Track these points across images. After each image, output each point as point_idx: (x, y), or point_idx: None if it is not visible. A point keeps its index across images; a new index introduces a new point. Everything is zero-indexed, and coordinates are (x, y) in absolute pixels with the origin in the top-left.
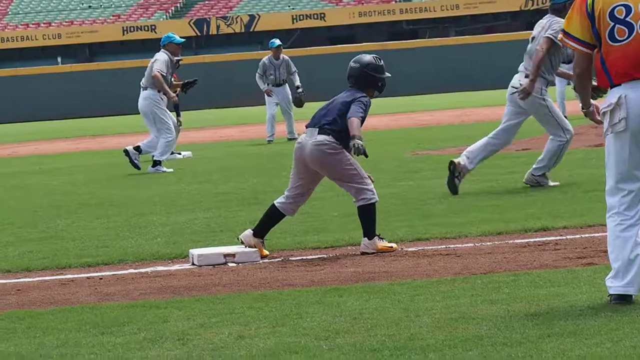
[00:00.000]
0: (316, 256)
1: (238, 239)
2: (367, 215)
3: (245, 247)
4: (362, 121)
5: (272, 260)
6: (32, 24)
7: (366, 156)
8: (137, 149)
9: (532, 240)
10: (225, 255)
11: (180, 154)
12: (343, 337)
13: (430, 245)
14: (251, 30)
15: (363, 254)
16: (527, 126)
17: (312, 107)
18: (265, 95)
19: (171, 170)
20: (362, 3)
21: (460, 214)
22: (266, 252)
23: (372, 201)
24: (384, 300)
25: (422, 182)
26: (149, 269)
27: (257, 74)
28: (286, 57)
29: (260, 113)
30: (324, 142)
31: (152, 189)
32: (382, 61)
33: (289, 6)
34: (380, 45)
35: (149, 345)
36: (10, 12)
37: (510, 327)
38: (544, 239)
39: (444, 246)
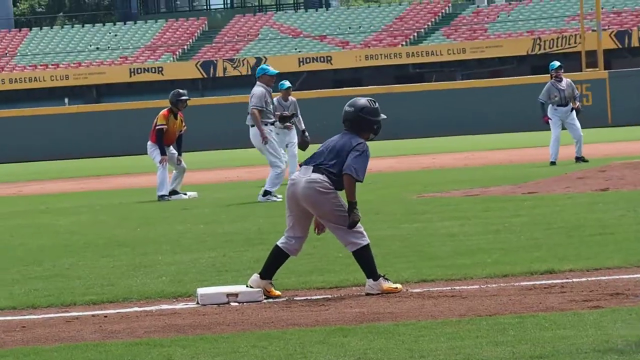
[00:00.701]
0: (321, 296)
1: (248, 285)
2: (364, 259)
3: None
4: (364, 171)
5: (277, 300)
6: (40, 66)
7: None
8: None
9: (538, 282)
10: (228, 295)
11: (185, 194)
12: None
13: (435, 286)
14: None
15: (368, 294)
16: (532, 169)
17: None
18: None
19: (280, 198)
20: (369, 46)
21: (466, 256)
22: (277, 292)
23: (364, 244)
24: (389, 341)
25: (428, 224)
26: (153, 308)
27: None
28: (294, 99)
29: None
30: (316, 180)
31: (158, 229)
32: (377, 104)
33: (296, 49)
34: (387, 88)
35: None
36: (18, 54)
37: None
38: (550, 281)
39: (449, 288)
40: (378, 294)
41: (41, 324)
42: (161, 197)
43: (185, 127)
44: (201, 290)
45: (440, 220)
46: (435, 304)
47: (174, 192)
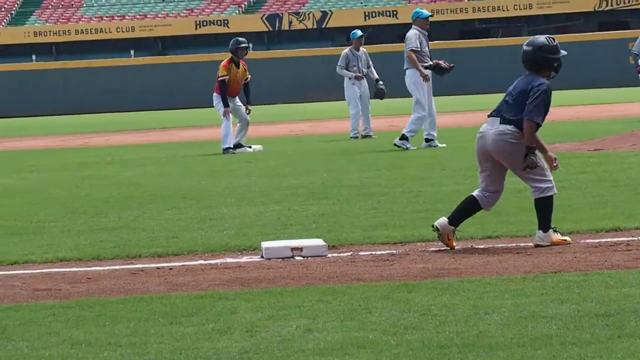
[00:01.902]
0: (385, 251)
1: (433, 226)
2: (543, 208)
3: (439, 234)
4: (545, 112)
5: (341, 254)
6: (106, 17)
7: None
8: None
9: (603, 240)
10: (293, 249)
11: (250, 147)
12: (411, 333)
13: (500, 243)
14: (323, 26)
15: (537, 246)
16: (598, 126)
17: (387, 103)
18: (348, 91)
19: (414, 147)
20: (435, 1)
21: (531, 213)
22: (454, 243)
23: (549, 194)
24: (453, 297)
25: None
26: (218, 261)
27: (338, 67)
28: (364, 50)
29: (330, 108)
30: (505, 132)
31: (223, 182)
32: (555, 41)
33: (362, 3)
34: (452, 43)
35: (217, 336)
36: (84, 5)
37: (580, 327)
38: (616, 239)
39: (515, 244)
40: (547, 245)
41: (106, 276)
42: (226, 150)
43: (249, 76)
44: (266, 244)
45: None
46: (500, 260)
47: (238, 145)
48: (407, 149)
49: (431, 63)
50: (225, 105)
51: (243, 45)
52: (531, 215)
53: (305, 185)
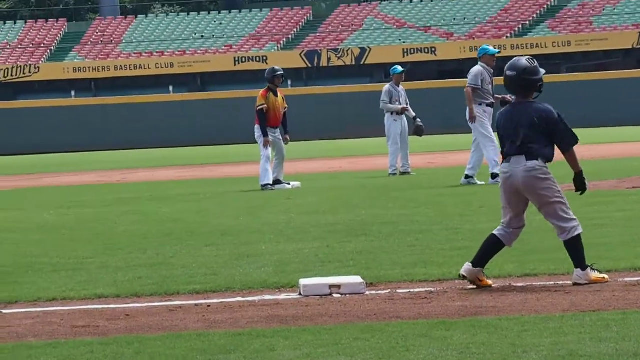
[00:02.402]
0: (423, 289)
1: (460, 275)
2: (574, 248)
3: (469, 280)
4: (572, 131)
5: (379, 292)
6: (145, 53)
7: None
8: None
9: None
10: (331, 286)
11: (289, 183)
12: None
13: (538, 281)
14: (362, 63)
15: (575, 284)
16: (638, 164)
17: (425, 140)
18: (389, 127)
19: (483, 182)
20: (473, 38)
21: None
22: (489, 282)
23: (576, 233)
24: (492, 335)
25: (532, 218)
26: (256, 298)
27: (382, 102)
28: (402, 87)
29: (369, 145)
30: (535, 168)
31: (261, 218)
32: (535, 62)
33: (400, 40)
34: None
35: None
36: (124, 41)
37: None
38: None
39: (553, 282)
40: (586, 283)
41: (144, 313)
42: (264, 187)
43: (287, 106)
44: (304, 281)
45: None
46: (538, 298)
47: (277, 182)
48: (475, 184)
49: (492, 100)
50: (265, 135)
51: (279, 72)
52: None
53: (344, 222)
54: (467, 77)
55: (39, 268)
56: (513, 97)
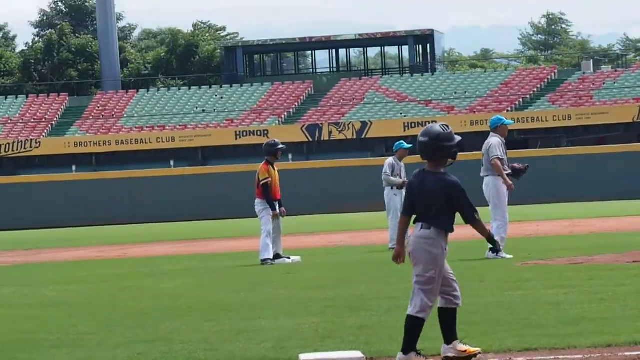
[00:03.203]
0: None
1: (443, 358)
2: (413, 328)
3: (455, 357)
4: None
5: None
6: (147, 127)
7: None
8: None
9: None
10: None
11: (289, 258)
12: None
13: (539, 355)
14: (363, 136)
15: (446, 358)
16: (638, 238)
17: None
18: (389, 201)
19: (511, 256)
20: (474, 112)
21: (570, 325)
22: (473, 348)
23: (422, 316)
24: None
25: (532, 292)
26: None
27: (384, 174)
28: (402, 162)
29: (370, 219)
30: (423, 237)
31: (261, 294)
32: (450, 128)
33: (401, 114)
34: None
35: None
36: (125, 115)
37: None
38: None
39: (553, 357)
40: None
41: None
42: (264, 261)
43: None
44: (304, 357)
45: (544, 288)
46: None
47: (277, 256)
48: (503, 258)
49: (509, 170)
50: (273, 208)
51: (281, 146)
52: (570, 327)
53: (344, 296)
54: (477, 150)
55: (38, 344)
56: (525, 165)
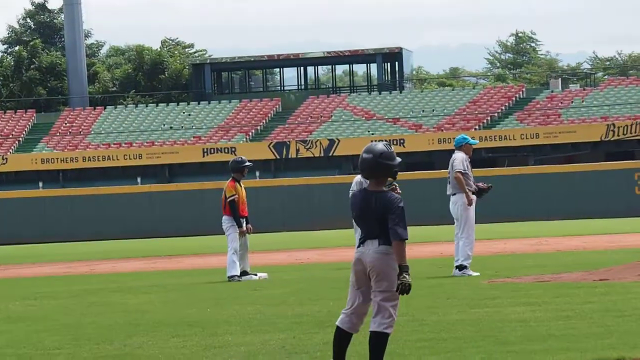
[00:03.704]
0: None
1: None
2: (380, 344)
3: None
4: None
5: None
6: (114, 144)
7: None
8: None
9: None
10: None
11: (256, 275)
12: None
13: None
14: (330, 154)
15: None
16: (604, 256)
17: None
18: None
19: (478, 274)
20: (442, 130)
21: (537, 342)
22: None
23: (389, 331)
24: None
25: (499, 310)
26: None
27: (351, 191)
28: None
29: (338, 236)
30: (387, 252)
31: (228, 310)
32: (392, 147)
33: (369, 131)
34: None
35: None
36: (92, 132)
37: None
38: None
39: None
40: None
41: None
42: (231, 278)
43: None
44: None
45: (511, 305)
46: None
47: (244, 273)
48: (470, 275)
49: (475, 188)
50: (240, 225)
51: (248, 163)
52: (537, 344)
53: (311, 313)
54: (445, 168)
55: (5, 359)
56: (488, 185)
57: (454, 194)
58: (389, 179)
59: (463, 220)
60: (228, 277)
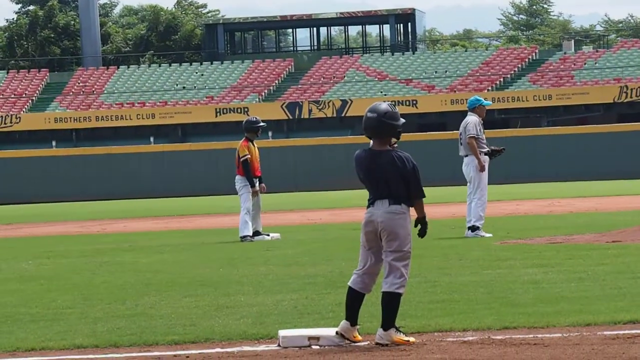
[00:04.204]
0: None
1: (336, 332)
2: (391, 304)
3: (345, 338)
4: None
5: (358, 344)
6: (127, 104)
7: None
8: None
9: (621, 332)
10: (310, 338)
11: (268, 235)
12: None
13: (517, 334)
14: (343, 115)
15: (377, 344)
16: (617, 218)
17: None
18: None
19: (490, 235)
20: (455, 91)
21: (549, 304)
22: (359, 337)
23: (401, 291)
24: None
25: (510, 271)
26: (235, 349)
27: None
28: None
29: (350, 196)
30: (397, 212)
31: (240, 270)
32: (396, 108)
33: (381, 92)
34: None
35: None
36: (105, 91)
37: None
38: (634, 331)
39: (532, 335)
40: (387, 344)
41: None
42: (244, 238)
43: None
44: (283, 333)
45: (523, 267)
46: (517, 351)
47: (256, 233)
48: (482, 237)
49: (489, 149)
50: (252, 185)
51: (261, 124)
52: (549, 306)
53: (323, 273)
54: (457, 129)
55: (17, 318)
56: (501, 147)
57: (466, 156)
58: (393, 139)
59: (476, 181)
60: (240, 237)
